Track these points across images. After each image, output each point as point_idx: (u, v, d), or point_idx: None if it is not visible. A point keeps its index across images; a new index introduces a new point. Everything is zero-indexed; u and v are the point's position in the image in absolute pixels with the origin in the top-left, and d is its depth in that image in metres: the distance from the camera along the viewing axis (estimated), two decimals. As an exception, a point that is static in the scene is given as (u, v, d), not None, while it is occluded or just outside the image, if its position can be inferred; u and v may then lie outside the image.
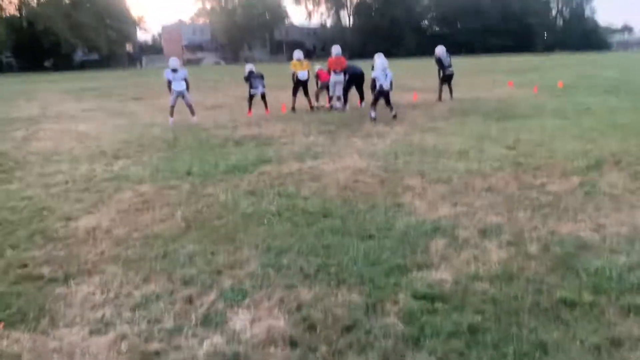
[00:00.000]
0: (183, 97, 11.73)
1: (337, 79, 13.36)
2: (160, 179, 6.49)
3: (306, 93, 13.49)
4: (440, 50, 14.70)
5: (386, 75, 11.21)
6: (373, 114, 11.11)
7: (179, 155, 7.96)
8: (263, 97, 13.06)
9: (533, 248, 3.97)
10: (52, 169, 7.27)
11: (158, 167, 7.19)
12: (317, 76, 14.31)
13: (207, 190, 5.91)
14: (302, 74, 13.22)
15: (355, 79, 13.82)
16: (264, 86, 13.07)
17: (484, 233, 4.31)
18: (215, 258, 3.99)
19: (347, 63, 13.67)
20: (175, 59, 12.01)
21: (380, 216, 4.81)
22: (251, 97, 13.01)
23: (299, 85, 13.27)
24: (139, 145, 8.98)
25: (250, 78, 13.05)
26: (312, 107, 13.50)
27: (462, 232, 4.36)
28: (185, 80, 11.76)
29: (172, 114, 11.80)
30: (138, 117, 13.14)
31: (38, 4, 59.57)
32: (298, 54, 13.67)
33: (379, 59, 11.76)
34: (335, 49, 13.52)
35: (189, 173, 6.72)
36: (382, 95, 11.20)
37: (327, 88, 13.86)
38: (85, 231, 4.67)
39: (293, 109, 13.29)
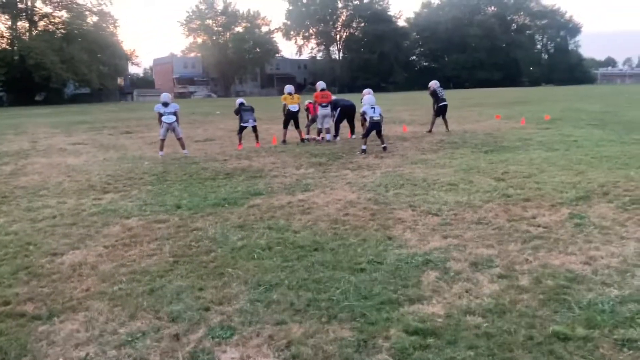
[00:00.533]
0: (174, 130, 11.77)
1: (324, 112, 13.60)
2: (149, 212, 6.44)
3: (297, 125, 13.66)
4: (434, 83, 15.10)
5: (374, 109, 11.43)
6: (364, 147, 11.22)
7: (168, 189, 7.92)
8: (254, 129, 13.13)
9: (525, 281, 3.96)
10: (39, 203, 7.19)
11: (147, 200, 7.14)
12: (307, 109, 14.52)
13: (196, 224, 5.86)
14: (293, 107, 13.45)
15: (346, 112, 14.05)
16: (254, 119, 13.15)
17: (475, 266, 4.30)
18: (204, 294, 3.93)
19: (333, 97, 13.98)
20: (167, 94, 12.15)
21: (371, 249, 4.79)
22: (242, 129, 13.08)
23: (290, 117, 13.47)
24: (128, 179, 8.93)
25: (240, 111, 13.15)
26: (302, 140, 13.61)
27: (454, 264, 4.34)
28: (176, 114, 11.83)
29: (162, 148, 11.81)
30: (128, 150, 13.11)
31: (30, 37, 59.97)
32: (289, 88, 13.93)
33: (367, 95, 12.04)
34: (320, 84, 13.99)
35: (178, 207, 6.68)
36: (374, 127, 11.34)
37: (314, 121, 14.12)
38: (71, 267, 4.59)
39: (284, 141, 13.38)
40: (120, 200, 7.23)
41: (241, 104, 13.29)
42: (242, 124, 13.04)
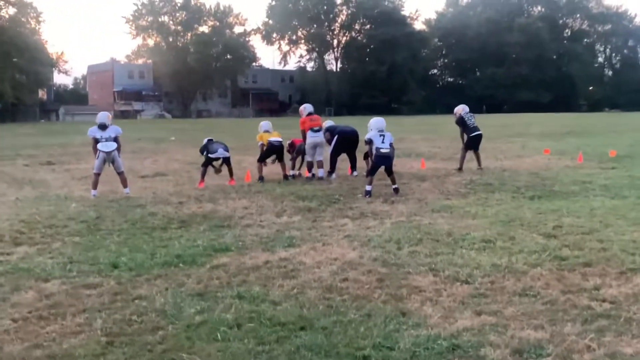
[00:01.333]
0: (113, 162, 11.80)
1: (315, 140, 13.73)
2: (75, 274, 6.37)
3: (280, 158, 13.76)
4: (461, 109, 15.30)
5: (383, 136, 11.58)
6: (369, 187, 11.29)
7: (102, 242, 7.87)
8: (227, 162, 13.22)
9: (587, 376, 3.92)
10: None
11: (73, 257, 7.06)
12: (291, 144, 14.70)
13: (139, 290, 5.79)
14: (276, 140, 13.72)
15: (346, 141, 14.18)
16: (226, 148, 13.32)
17: (519, 354, 4.27)
18: (148, 388, 3.86)
19: (326, 123, 14.44)
20: (104, 114, 12.28)
21: (378, 329, 4.74)
22: (208, 162, 13.19)
23: (273, 152, 13.80)
24: (48, 226, 8.88)
25: (207, 144, 13.40)
26: (286, 176, 13.68)
27: (490, 352, 4.30)
28: (117, 139, 11.88)
29: (95, 185, 11.80)
30: (50, 188, 13.10)
31: None
32: (266, 125, 14.28)
33: (375, 119, 12.16)
34: (307, 108, 14.55)
35: (115, 266, 6.61)
36: (382, 162, 11.53)
37: (303, 153, 14.26)
38: (-36, 348, 4.50)
39: (261, 178, 13.44)
40: (37, 256, 7.15)
41: (209, 140, 13.63)
42: (209, 155, 13.16)
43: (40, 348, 4.49)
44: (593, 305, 5.19)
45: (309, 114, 14.24)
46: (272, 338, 4.60)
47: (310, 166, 13.97)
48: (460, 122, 15.19)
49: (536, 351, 4.30)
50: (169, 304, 5.38)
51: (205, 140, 13.63)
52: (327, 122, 14.83)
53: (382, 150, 11.51)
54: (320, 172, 13.75)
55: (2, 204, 10.93)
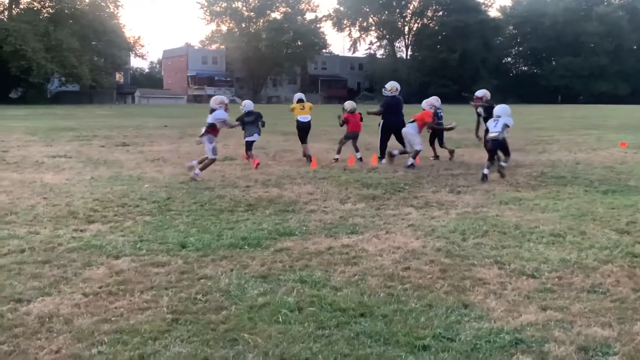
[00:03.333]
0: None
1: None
2: (145, 252, 6.55)
3: (304, 140, 15.19)
4: (435, 99, 15.41)
5: (497, 122, 12.11)
6: (486, 171, 11.73)
7: (171, 222, 8.06)
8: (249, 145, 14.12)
9: (656, 378, 3.79)
10: (4, 232, 7.44)
11: (143, 236, 7.27)
12: (345, 121, 14.94)
13: (205, 270, 5.91)
14: (304, 118, 15.18)
15: (392, 125, 14.75)
16: (259, 132, 14.28)
17: (584, 351, 4.16)
18: (209, 366, 3.94)
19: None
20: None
21: (439, 319, 4.70)
22: (249, 145, 14.10)
23: (300, 131, 15.27)
24: (120, 205, 9.15)
25: (244, 120, 14.06)
26: (307, 157, 14.66)
27: (555, 348, 4.21)
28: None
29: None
30: (123, 168, 13.48)
31: (9, 17, 62.69)
32: (299, 95, 16.08)
33: (499, 105, 12.66)
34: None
35: (182, 246, 6.77)
36: (492, 144, 12.07)
37: (354, 139, 14.86)
38: (38, 319, 4.70)
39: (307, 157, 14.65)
40: (109, 234, 7.39)
41: (248, 113, 14.18)
42: (246, 139, 14.10)
43: (108, 322, 4.64)
44: (666, 305, 5.00)
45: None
46: (332, 323, 4.62)
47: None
48: (437, 116, 15.18)
49: (602, 349, 4.18)
50: (233, 285, 5.47)
51: (244, 109, 14.27)
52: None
53: (490, 135, 12.18)
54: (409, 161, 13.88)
55: (78, 182, 11.33)
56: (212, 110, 12.40)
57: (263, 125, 14.46)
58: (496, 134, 11.94)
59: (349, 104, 15.24)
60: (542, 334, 4.43)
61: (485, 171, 11.75)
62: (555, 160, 14.69)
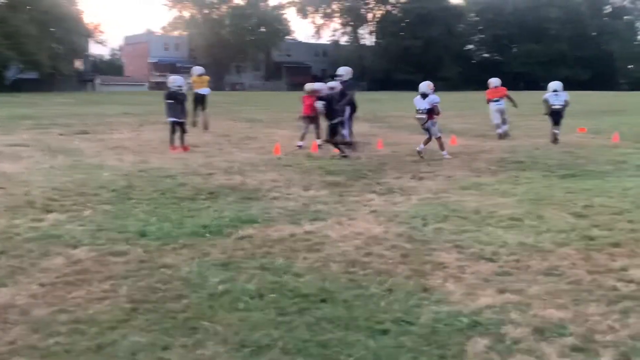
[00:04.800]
0: (428, 130, 13.22)
1: (497, 107, 16.89)
2: (104, 241, 6.48)
3: (203, 108, 17.95)
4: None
5: (557, 95, 15.34)
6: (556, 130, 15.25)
7: (131, 210, 7.98)
8: (182, 128, 14.21)
9: (607, 357, 3.88)
10: (-41, 222, 7.29)
11: (102, 225, 7.18)
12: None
13: (164, 259, 5.88)
14: (202, 91, 17.88)
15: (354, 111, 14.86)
16: (183, 112, 14.29)
17: (540, 333, 4.24)
18: (168, 354, 3.92)
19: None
20: (425, 84, 13.35)
21: (399, 304, 4.75)
22: (171, 126, 14.28)
23: (196, 103, 17.96)
24: (79, 194, 9.02)
25: (169, 98, 14.19)
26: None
27: (512, 330, 4.28)
28: (432, 109, 13.23)
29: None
30: (83, 156, 13.28)
31: (-35, 3, 61.18)
32: (198, 70, 19.10)
33: (553, 82, 15.97)
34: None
35: (142, 235, 6.71)
36: (554, 115, 15.30)
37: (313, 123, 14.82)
38: (-6, 310, 4.62)
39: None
40: (67, 223, 7.28)
41: (176, 93, 14.28)
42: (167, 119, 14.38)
43: (65, 313, 4.59)
44: (619, 286, 5.12)
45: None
46: (293, 309, 4.64)
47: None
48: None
49: (558, 330, 4.27)
50: (193, 273, 5.45)
51: (173, 85, 14.53)
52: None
53: (553, 107, 15.26)
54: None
55: (36, 171, 11.13)
56: (425, 95, 13.09)
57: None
58: (558, 106, 15.25)
59: (307, 86, 15.29)
60: (500, 317, 4.50)
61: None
62: (515, 146, 14.91)
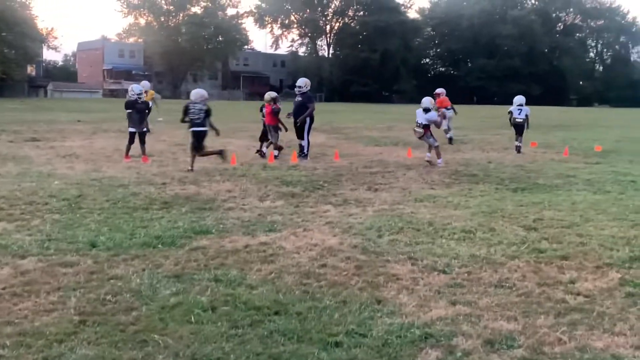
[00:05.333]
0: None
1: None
2: (53, 251, 6.36)
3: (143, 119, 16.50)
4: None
5: (520, 110, 16.81)
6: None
7: (82, 220, 7.84)
8: (141, 138, 14.05)
9: (556, 368, 3.95)
10: None
11: (51, 235, 7.05)
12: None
13: (115, 270, 5.78)
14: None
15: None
16: (141, 122, 14.14)
17: (490, 344, 4.29)
18: (117, 368, 3.85)
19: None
20: (428, 99, 14.13)
21: (352, 316, 4.76)
22: (130, 136, 14.12)
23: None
24: (28, 203, 8.83)
25: (128, 107, 14.06)
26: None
27: (462, 342, 4.33)
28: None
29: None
30: (33, 164, 12.99)
31: None
32: (145, 84, 19.84)
33: (517, 96, 17.57)
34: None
35: (93, 245, 6.61)
36: (516, 128, 16.84)
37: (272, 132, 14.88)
38: None
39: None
40: (15, 233, 7.13)
41: (135, 102, 14.16)
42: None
43: (11, 325, 4.48)
44: (567, 298, 5.23)
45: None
46: (245, 322, 4.61)
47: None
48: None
49: (507, 342, 4.33)
50: (144, 285, 5.37)
51: (132, 93, 14.38)
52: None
53: (517, 120, 16.73)
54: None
55: (-16, 179, 10.85)
56: (426, 110, 13.65)
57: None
58: (520, 120, 16.66)
59: (266, 95, 15.39)
60: (451, 328, 4.55)
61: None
62: (469, 159, 15.14)
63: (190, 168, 12.38)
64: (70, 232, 7.20)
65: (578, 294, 5.33)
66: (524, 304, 5.08)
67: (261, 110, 15.59)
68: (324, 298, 5.15)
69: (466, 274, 5.85)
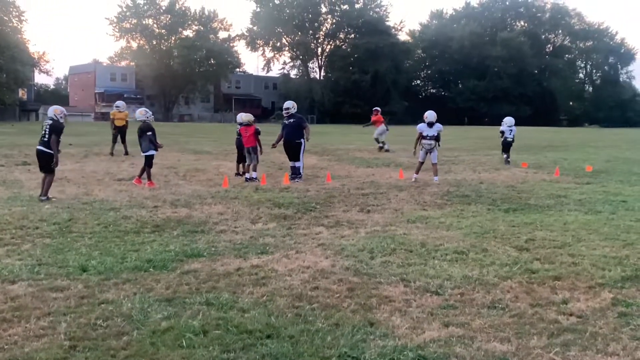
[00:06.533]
0: (431, 153, 14.62)
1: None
2: (43, 276, 6.31)
3: (122, 140, 20.80)
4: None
5: (511, 130, 19.69)
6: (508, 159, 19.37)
7: (73, 244, 7.80)
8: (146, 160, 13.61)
9: (550, 390, 3.94)
10: None
11: (42, 259, 7.01)
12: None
13: (106, 294, 5.75)
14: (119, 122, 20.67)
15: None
16: (153, 145, 13.55)
17: (484, 366, 4.28)
18: (108, 394, 3.81)
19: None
20: (433, 113, 14.65)
21: (345, 338, 4.74)
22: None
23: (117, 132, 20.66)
24: (19, 227, 8.78)
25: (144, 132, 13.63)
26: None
27: (456, 364, 4.31)
28: (438, 136, 14.62)
29: (418, 171, 14.80)
30: (23, 188, 12.95)
31: None
32: (119, 102, 22.52)
33: (507, 117, 20.76)
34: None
35: (83, 269, 6.56)
36: (506, 145, 19.59)
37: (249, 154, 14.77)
38: None
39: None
40: (5, 257, 7.08)
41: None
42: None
43: (1, 351, 4.44)
44: (560, 319, 5.23)
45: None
46: (237, 346, 4.58)
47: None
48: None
49: (501, 364, 4.32)
50: (135, 309, 5.33)
51: (141, 116, 13.93)
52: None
53: (507, 139, 19.52)
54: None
55: (-26, 203, 10.78)
56: (431, 124, 14.41)
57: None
58: (511, 139, 19.62)
59: (245, 116, 15.10)
60: (444, 350, 4.54)
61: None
62: (461, 180, 15.17)
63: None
64: (61, 256, 7.16)
65: (571, 315, 5.34)
66: (517, 325, 5.08)
67: (239, 133, 15.34)
68: (316, 321, 5.13)
69: (459, 295, 5.85)
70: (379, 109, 25.02)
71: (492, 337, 4.82)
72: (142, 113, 13.90)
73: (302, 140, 14.83)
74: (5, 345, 4.54)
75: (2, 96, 63.69)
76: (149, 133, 13.40)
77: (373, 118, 24.84)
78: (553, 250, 7.68)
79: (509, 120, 20.31)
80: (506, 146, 19.76)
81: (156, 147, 13.56)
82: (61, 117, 11.90)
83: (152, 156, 13.53)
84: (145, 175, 13.51)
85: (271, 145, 15.51)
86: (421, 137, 14.72)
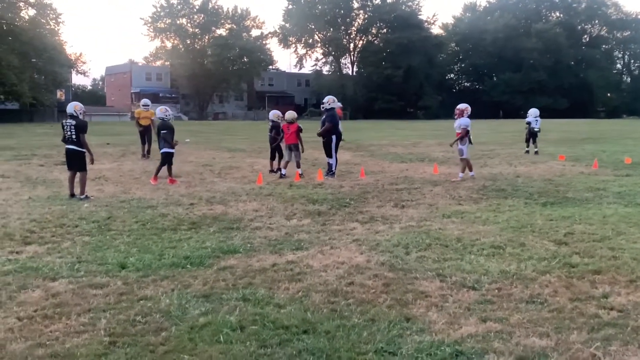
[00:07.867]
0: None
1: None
2: (83, 273, 6.41)
3: (147, 141, 19.81)
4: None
5: (537, 121, 20.93)
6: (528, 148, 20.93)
7: (111, 242, 7.92)
8: (164, 158, 13.71)
9: (591, 385, 3.87)
10: None
11: (81, 257, 7.12)
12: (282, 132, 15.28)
13: (145, 291, 5.82)
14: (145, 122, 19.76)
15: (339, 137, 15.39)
16: (168, 145, 13.63)
17: (523, 362, 4.23)
18: (148, 389, 3.86)
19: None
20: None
21: (381, 334, 4.73)
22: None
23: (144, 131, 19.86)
24: (59, 226, 8.94)
25: (159, 130, 13.77)
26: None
27: (494, 359, 4.27)
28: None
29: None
30: (63, 187, 13.15)
31: (-55, 35, 60.98)
32: (143, 101, 21.43)
33: (533, 109, 21.92)
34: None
35: (122, 266, 6.65)
36: (532, 136, 20.76)
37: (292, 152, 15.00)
38: (-31, 345, 4.53)
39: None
40: (46, 256, 7.21)
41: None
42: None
43: (43, 347, 4.51)
44: (600, 313, 5.14)
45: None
46: (274, 341, 4.60)
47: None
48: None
49: (540, 359, 4.26)
50: (173, 305, 5.39)
51: (162, 115, 13.96)
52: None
53: (534, 129, 20.67)
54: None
55: (15, 203, 11.01)
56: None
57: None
58: (537, 129, 20.85)
59: (288, 114, 15.32)
60: (482, 346, 4.49)
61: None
62: (496, 174, 15.02)
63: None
64: (100, 253, 7.27)
65: (611, 309, 5.24)
66: (556, 320, 5.00)
67: (270, 130, 15.75)
68: (352, 316, 5.12)
69: (496, 290, 5.78)
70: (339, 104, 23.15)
71: (530, 332, 4.75)
72: (162, 111, 14.08)
73: (331, 136, 14.80)
74: (46, 341, 4.62)
75: (41, 97, 64.75)
76: (164, 132, 13.57)
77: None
78: (592, 244, 7.55)
79: (534, 112, 21.56)
80: (533, 137, 20.90)
81: (172, 145, 13.68)
82: (81, 114, 12.15)
83: (168, 154, 13.67)
84: (165, 172, 13.83)
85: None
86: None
